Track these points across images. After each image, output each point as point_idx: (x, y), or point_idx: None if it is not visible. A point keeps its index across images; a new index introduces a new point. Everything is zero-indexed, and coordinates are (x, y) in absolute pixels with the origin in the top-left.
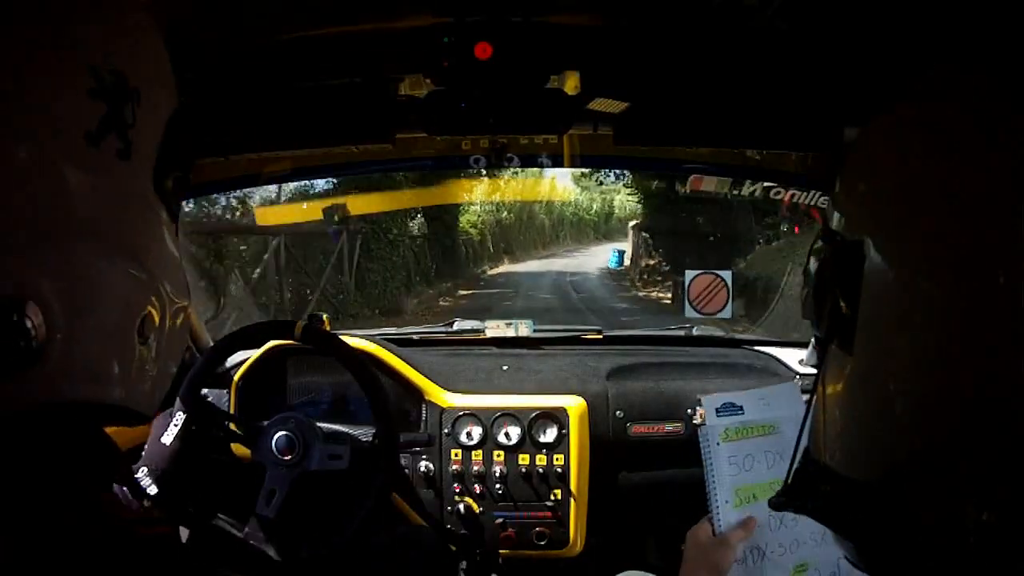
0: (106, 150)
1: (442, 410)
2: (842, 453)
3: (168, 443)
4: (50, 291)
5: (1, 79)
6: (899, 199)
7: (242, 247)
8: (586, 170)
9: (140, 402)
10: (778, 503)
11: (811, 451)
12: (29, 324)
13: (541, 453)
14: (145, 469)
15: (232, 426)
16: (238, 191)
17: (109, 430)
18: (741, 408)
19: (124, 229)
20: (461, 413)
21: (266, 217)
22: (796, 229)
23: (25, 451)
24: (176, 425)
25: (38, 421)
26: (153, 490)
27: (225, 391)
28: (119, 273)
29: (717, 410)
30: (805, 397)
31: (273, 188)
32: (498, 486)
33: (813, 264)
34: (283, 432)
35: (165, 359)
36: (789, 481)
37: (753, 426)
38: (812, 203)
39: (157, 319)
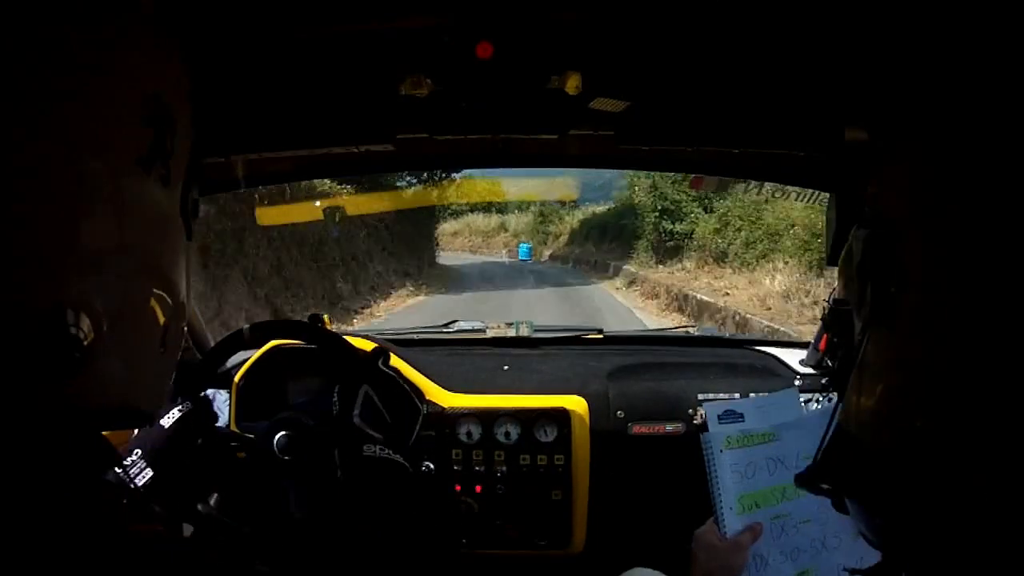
0: (153, 176)
1: (443, 410)
2: (873, 430)
3: (167, 425)
4: (98, 305)
5: (69, 101)
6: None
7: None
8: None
9: (152, 403)
10: (803, 480)
11: (841, 429)
12: (80, 335)
13: (542, 453)
14: (139, 451)
15: (232, 425)
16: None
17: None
18: (742, 416)
19: (159, 251)
20: (462, 413)
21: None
22: None
23: (38, 454)
24: (180, 411)
25: (62, 426)
26: (148, 473)
27: (225, 391)
28: (153, 291)
29: (719, 417)
30: (804, 398)
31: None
32: (499, 486)
33: (857, 246)
34: (283, 432)
35: (171, 360)
36: (818, 459)
37: (754, 434)
38: (813, 202)
39: (174, 330)
